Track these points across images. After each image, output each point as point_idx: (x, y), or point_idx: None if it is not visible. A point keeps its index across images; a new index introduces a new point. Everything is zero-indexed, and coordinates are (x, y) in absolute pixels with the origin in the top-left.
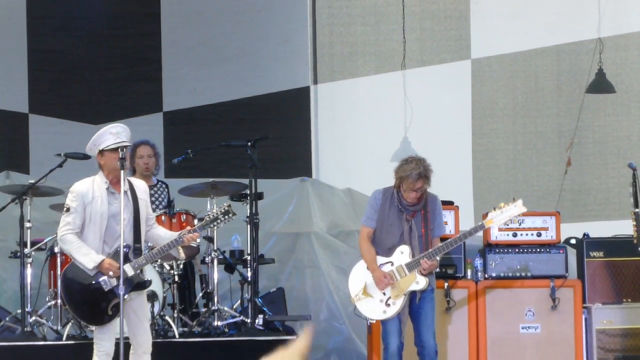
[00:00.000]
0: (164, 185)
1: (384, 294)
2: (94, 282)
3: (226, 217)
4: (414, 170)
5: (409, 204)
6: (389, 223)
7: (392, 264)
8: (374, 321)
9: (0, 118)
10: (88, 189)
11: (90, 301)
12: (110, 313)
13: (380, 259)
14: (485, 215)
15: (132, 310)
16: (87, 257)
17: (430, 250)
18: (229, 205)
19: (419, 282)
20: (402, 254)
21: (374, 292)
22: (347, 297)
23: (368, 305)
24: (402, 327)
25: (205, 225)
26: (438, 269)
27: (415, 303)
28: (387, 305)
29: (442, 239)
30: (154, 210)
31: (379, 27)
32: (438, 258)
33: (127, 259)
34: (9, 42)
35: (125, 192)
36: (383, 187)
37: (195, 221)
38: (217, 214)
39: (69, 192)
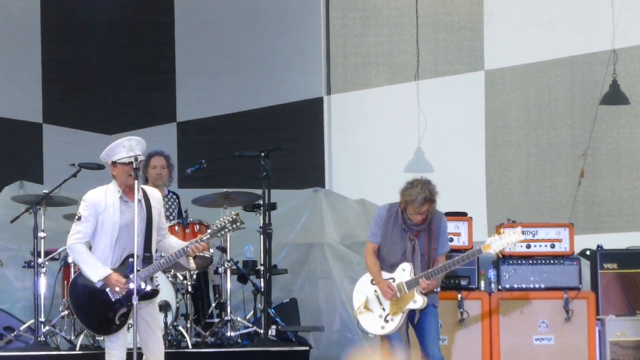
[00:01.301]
0: (174, 196)
1: (384, 309)
2: (101, 292)
3: (234, 225)
4: (420, 195)
5: (413, 223)
6: (392, 241)
7: (394, 281)
8: (373, 336)
9: (14, 128)
10: (101, 198)
11: (98, 311)
12: (117, 322)
13: (383, 275)
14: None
15: (142, 320)
16: (93, 270)
17: (429, 270)
18: (237, 214)
19: (417, 301)
20: (404, 272)
21: (374, 306)
22: None
23: (368, 320)
24: (404, 342)
25: (212, 235)
26: (452, 281)
27: (418, 319)
28: (386, 321)
29: (454, 250)
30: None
31: (392, 38)
32: (439, 277)
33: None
34: (23, 52)
35: (139, 200)
36: (389, 202)
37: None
38: (224, 222)
39: (81, 201)
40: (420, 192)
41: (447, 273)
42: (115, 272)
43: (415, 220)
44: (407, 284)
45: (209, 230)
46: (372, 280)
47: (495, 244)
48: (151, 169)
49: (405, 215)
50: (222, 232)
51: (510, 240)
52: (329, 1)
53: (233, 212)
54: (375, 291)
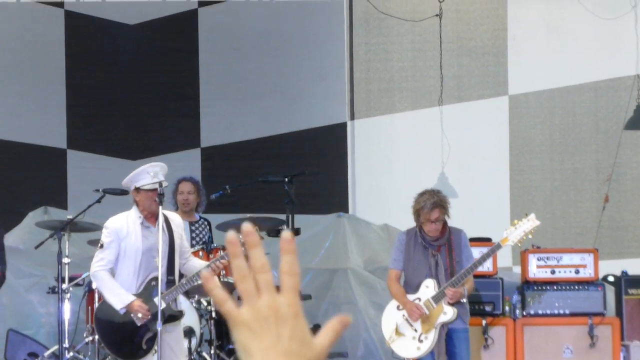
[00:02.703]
0: (205, 222)
1: (415, 330)
2: (126, 317)
3: None
4: (429, 200)
5: (432, 238)
6: (416, 261)
7: (420, 300)
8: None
9: (38, 154)
10: (122, 224)
11: (124, 336)
12: (144, 347)
13: (408, 297)
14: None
15: (168, 346)
16: (116, 298)
17: (453, 278)
18: (256, 229)
19: (447, 313)
20: (428, 288)
21: (405, 330)
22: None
23: (402, 345)
24: None
25: None
26: (477, 307)
27: (449, 342)
28: (420, 341)
29: (478, 275)
30: (193, 246)
31: (416, 63)
32: (466, 289)
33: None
34: (47, 78)
35: (160, 224)
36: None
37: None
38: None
39: (103, 228)
40: (429, 197)
41: (472, 298)
42: (138, 297)
43: (431, 232)
44: (434, 298)
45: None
46: (398, 307)
47: (513, 235)
48: (179, 195)
49: (423, 232)
50: (243, 249)
51: (527, 228)
52: (352, 27)
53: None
54: (404, 315)
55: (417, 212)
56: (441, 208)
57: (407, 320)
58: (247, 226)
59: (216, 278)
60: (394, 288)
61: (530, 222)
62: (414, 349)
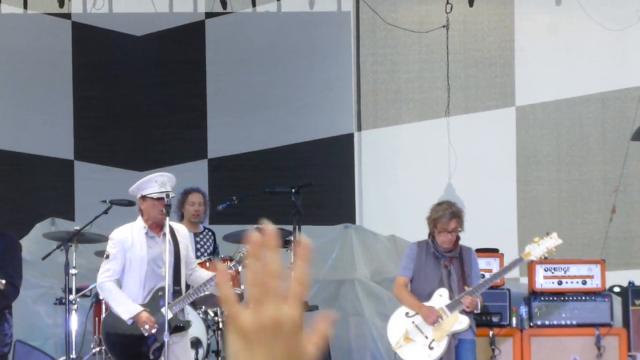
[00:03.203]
0: (210, 233)
1: (426, 337)
2: (133, 327)
3: None
4: (447, 210)
5: (444, 249)
6: (427, 271)
7: None
8: None
9: (45, 165)
10: (127, 235)
11: (131, 347)
12: (151, 357)
13: None
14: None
15: (175, 357)
16: (124, 308)
17: (472, 287)
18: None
19: (462, 322)
20: (441, 297)
21: (415, 336)
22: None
23: (411, 351)
24: None
25: (240, 262)
26: (484, 318)
27: (456, 352)
28: (431, 348)
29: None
30: (198, 257)
31: (422, 74)
32: (479, 300)
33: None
34: (55, 89)
35: (166, 235)
36: (418, 240)
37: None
38: None
39: (109, 239)
40: (448, 207)
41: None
42: (145, 308)
43: (445, 243)
44: (449, 307)
45: (236, 258)
46: (407, 313)
47: (535, 251)
48: (189, 206)
49: (436, 243)
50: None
51: (549, 245)
52: (359, 38)
53: None
54: (414, 322)
55: (434, 222)
56: (458, 219)
57: (417, 326)
58: (268, 227)
59: (229, 274)
60: (404, 294)
61: (553, 240)
62: (424, 356)
